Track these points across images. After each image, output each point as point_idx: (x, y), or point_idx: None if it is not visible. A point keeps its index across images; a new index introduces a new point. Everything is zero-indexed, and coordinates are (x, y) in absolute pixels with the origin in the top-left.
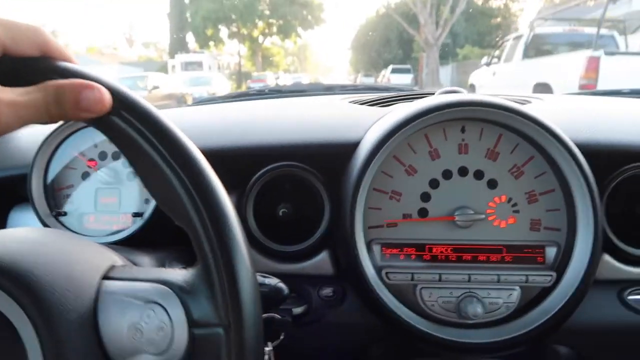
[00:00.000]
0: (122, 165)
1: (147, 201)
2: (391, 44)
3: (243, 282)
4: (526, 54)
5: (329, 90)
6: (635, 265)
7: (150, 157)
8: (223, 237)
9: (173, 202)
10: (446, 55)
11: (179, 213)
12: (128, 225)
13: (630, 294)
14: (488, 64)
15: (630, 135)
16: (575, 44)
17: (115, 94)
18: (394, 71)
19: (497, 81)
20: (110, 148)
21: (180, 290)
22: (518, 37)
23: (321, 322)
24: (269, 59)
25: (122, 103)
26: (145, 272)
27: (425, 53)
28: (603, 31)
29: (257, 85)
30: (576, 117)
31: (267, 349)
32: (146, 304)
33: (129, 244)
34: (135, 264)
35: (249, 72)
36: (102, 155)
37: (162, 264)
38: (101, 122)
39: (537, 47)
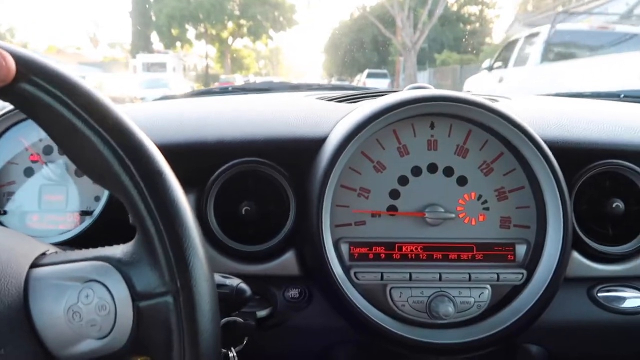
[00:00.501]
0: (69, 160)
1: (97, 199)
2: (366, 48)
3: (188, 240)
4: (546, 56)
5: (295, 88)
6: (603, 262)
7: (69, 121)
8: (159, 193)
9: (100, 167)
10: (423, 60)
11: (108, 177)
12: (76, 225)
13: (599, 291)
14: (490, 69)
15: (596, 134)
16: (604, 45)
17: (21, 59)
18: (370, 75)
19: (506, 88)
20: None
21: (119, 263)
22: (532, 36)
23: (287, 325)
24: (239, 62)
25: (30, 67)
26: (80, 253)
27: (403, 57)
28: (634, 29)
29: None
30: (544, 115)
31: (230, 354)
32: (83, 283)
33: (76, 244)
34: None
35: (217, 75)
36: (47, 150)
37: None
38: (9, 92)
39: (558, 48)
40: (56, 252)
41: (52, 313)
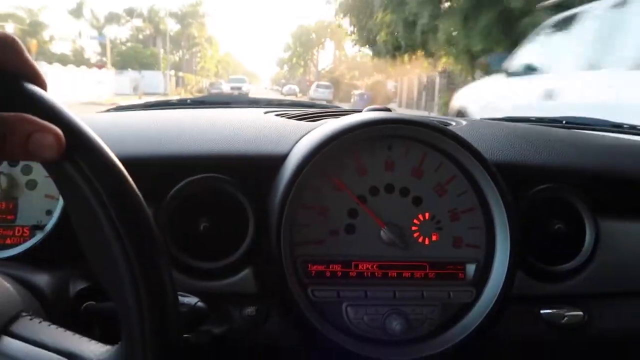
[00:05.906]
0: (20, 172)
1: (48, 212)
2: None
3: None
4: None
5: (255, 103)
6: (547, 281)
7: (97, 219)
8: (159, 330)
9: (108, 272)
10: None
11: (113, 283)
12: (25, 240)
13: (543, 308)
14: (511, 74)
15: (543, 156)
16: None
17: (73, 135)
18: None
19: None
20: None
21: None
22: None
23: (243, 343)
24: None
25: (78, 147)
26: (55, 336)
27: None
28: None
29: None
30: (494, 139)
31: None
32: None
33: (26, 260)
34: (32, 283)
35: None
36: None
37: (64, 282)
38: (49, 164)
39: None
40: (31, 319)
41: None
